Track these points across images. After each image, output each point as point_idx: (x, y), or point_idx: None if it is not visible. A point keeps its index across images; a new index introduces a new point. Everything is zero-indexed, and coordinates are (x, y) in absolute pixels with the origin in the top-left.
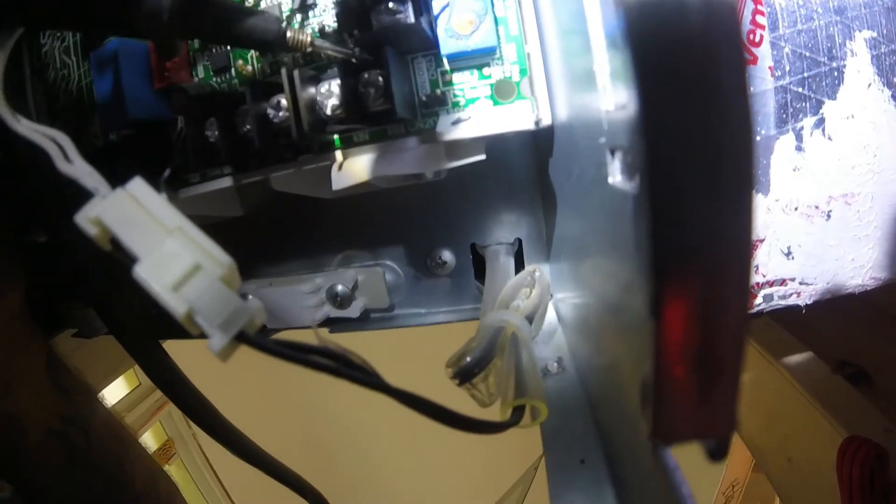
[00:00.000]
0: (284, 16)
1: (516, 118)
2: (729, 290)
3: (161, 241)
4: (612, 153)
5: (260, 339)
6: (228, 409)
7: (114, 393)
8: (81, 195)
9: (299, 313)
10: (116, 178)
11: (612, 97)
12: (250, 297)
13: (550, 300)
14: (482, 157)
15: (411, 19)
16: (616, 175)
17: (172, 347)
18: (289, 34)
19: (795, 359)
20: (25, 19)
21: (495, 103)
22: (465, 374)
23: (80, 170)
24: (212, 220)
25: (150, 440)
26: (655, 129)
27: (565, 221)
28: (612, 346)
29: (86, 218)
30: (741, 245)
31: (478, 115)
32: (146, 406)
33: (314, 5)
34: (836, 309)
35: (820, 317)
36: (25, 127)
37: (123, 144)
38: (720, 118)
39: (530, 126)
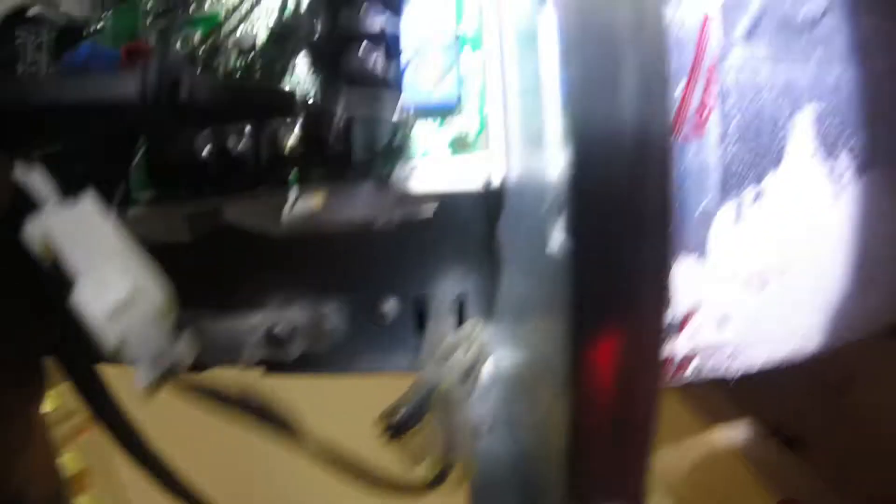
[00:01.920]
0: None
1: (471, 174)
2: (645, 352)
3: (101, 266)
4: (554, 218)
5: (185, 379)
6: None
7: None
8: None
9: (235, 351)
10: (71, 182)
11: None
12: (181, 339)
13: (490, 357)
14: (429, 214)
15: (379, 70)
16: (555, 243)
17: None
18: None
19: (731, 423)
20: None
21: (453, 152)
22: (396, 430)
23: (37, 177)
24: (157, 242)
25: (64, 467)
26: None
27: (510, 279)
28: (544, 405)
29: (34, 230)
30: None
31: (434, 168)
32: (62, 430)
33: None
34: (772, 375)
35: (755, 382)
36: None
37: (76, 153)
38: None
39: (479, 185)
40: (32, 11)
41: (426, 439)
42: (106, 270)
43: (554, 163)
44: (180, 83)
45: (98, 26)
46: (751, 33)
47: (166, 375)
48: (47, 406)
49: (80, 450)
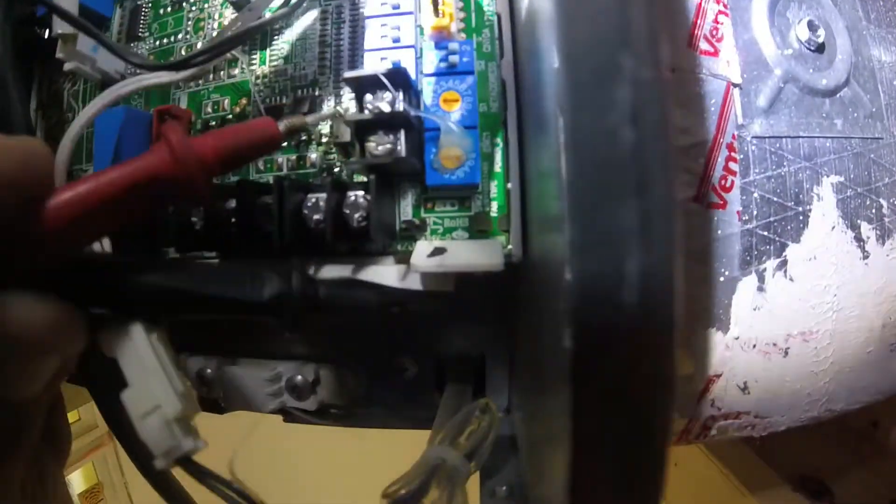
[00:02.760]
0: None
1: (488, 255)
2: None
3: (141, 379)
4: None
5: (188, 466)
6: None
7: None
8: None
9: (258, 398)
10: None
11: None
12: (189, 439)
13: (499, 430)
14: (450, 289)
15: (402, 154)
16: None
17: None
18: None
19: (757, 478)
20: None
21: (471, 236)
22: None
23: None
24: None
25: (78, 480)
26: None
27: (527, 349)
28: (553, 479)
29: (100, 337)
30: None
31: (452, 248)
32: (81, 444)
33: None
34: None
35: (780, 433)
36: None
37: None
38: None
39: (500, 267)
40: (68, 66)
41: None
42: (146, 383)
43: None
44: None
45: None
46: (773, 103)
47: (178, 462)
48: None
49: (95, 465)
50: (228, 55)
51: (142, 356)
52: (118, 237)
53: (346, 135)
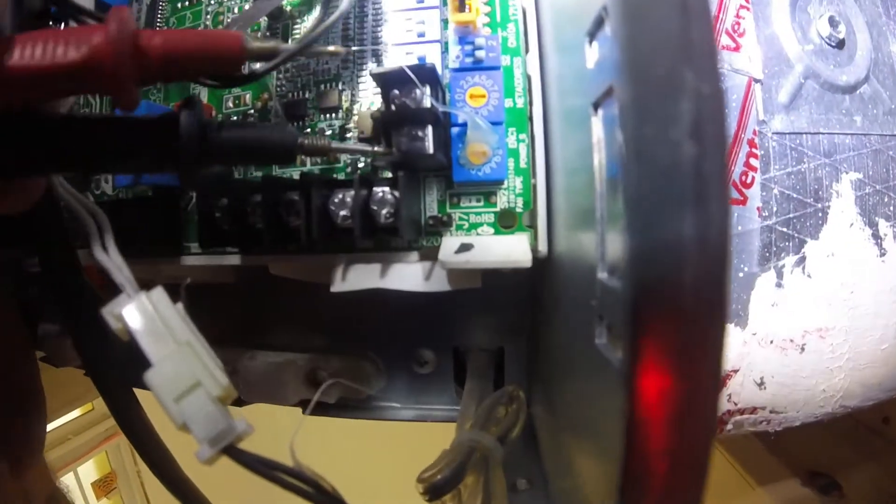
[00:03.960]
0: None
1: (515, 251)
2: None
3: (171, 353)
4: (601, 318)
5: (241, 456)
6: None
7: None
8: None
9: (279, 391)
10: (121, 233)
11: (608, 262)
12: (239, 421)
13: (526, 417)
14: (477, 285)
15: (430, 150)
16: (602, 338)
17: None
18: (305, 142)
19: (769, 475)
20: (42, 171)
21: (497, 231)
22: (434, 492)
23: (114, 262)
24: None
25: (92, 469)
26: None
27: (550, 343)
28: (583, 472)
29: (110, 313)
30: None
31: (479, 243)
32: (94, 433)
33: (338, 108)
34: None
35: (792, 428)
36: (70, 194)
37: (133, 202)
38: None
39: (527, 263)
40: None
41: (464, 500)
42: (175, 358)
43: (603, 265)
44: (207, 127)
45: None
46: (794, 98)
47: (225, 451)
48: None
49: (107, 454)
50: None
51: (171, 326)
52: (139, 233)
53: (368, 128)
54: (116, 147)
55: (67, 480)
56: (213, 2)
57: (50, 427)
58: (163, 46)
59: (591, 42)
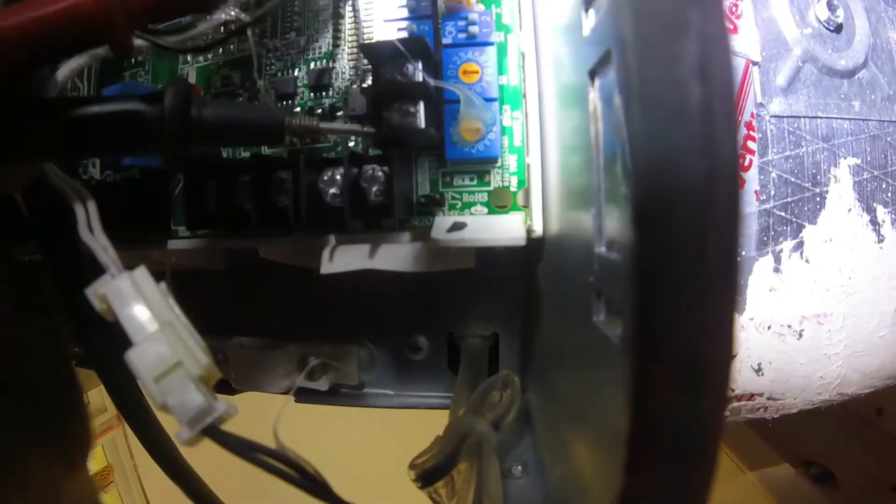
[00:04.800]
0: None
1: (509, 229)
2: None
3: (153, 332)
4: (599, 294)
5: (222, 436)
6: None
7: None
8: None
9: (269, 378)
10: (109, 217)
11: (605, 237)
12: (221, 400)
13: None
14: (471, 265)
15: (421, 125)
16: (601, 315)
17: None
18: (294, 122)
19: (761, 461)
20: (29, 155)
21: (490, 211)
22: (426, 479)
23: (99, 243)
24: (193, 269)
25: (88, 463)
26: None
27: (545, 327)
28: (580, 457)
29: (94, 293)
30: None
31: (472, 222)
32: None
33: (328, 86)
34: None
35: (787, 417)
36: (57, 176)
37: (120, 186)
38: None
39: (521, 241)
40: None
41: (458, 486)
42: (156, 338)
43: (600, 240)
44: (192, 106)
45: (139, 58)
46: (792, 82)
47: (206, 432)
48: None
49: (105, 448)
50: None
51: (153, 305)
52: (126, 217)
53: (361, 107)
54: (102, 127)
55: None
56: None
57: None
58: None
59: (586, 10)
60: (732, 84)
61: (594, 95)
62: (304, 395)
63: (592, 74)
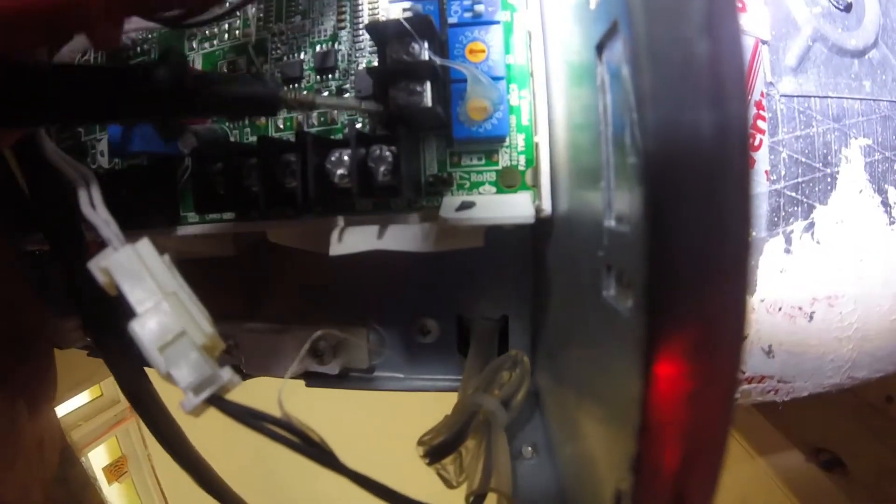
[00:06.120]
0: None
1: (518, 208)
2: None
3: (157, 303)
4: (609, 269)
5: (226, 405)
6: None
7: (73, 400)
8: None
9: (280, 363)
10: (117, 205)
11: (615, 211)
12: (225, 368)
13: (530, 382)
14: (480, 244)
15: (428, 103)
16: (610, 290)
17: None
18: (289, 95)
19: (771, 447)
20: (30, 119)
21: (499, 190)
22: (435, 454)
23: (101, 217)
24: (204, 256)
25: (103, 454)
26: (659, 257)
27: (555, 307)
28: (591, 435)
29: (97, 266)
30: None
31: (481, 202)
32: (104, 419)
33: (334, 69)
34: (814, 396)
35: (797, 404)
36: (57, 155)
37: (129, 173)
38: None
39: (530, 219)
40: None
41: (466, 464)
42: (161, 308)
43: (610, 214)
44: (186, 74)
45: (144, 46)
46: (802, 61)
47: (210, 401)
48: (87, 396)
49: (118, 439)
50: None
51: (156, 275)
52: (136, 204)
53: (367, 87)
54: (98, 94)
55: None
56: None
57: (59, 413)
58: None
59: None
60: (739, 39)
61: (602, 69)
62: (314, 380)
63: (600, 48)
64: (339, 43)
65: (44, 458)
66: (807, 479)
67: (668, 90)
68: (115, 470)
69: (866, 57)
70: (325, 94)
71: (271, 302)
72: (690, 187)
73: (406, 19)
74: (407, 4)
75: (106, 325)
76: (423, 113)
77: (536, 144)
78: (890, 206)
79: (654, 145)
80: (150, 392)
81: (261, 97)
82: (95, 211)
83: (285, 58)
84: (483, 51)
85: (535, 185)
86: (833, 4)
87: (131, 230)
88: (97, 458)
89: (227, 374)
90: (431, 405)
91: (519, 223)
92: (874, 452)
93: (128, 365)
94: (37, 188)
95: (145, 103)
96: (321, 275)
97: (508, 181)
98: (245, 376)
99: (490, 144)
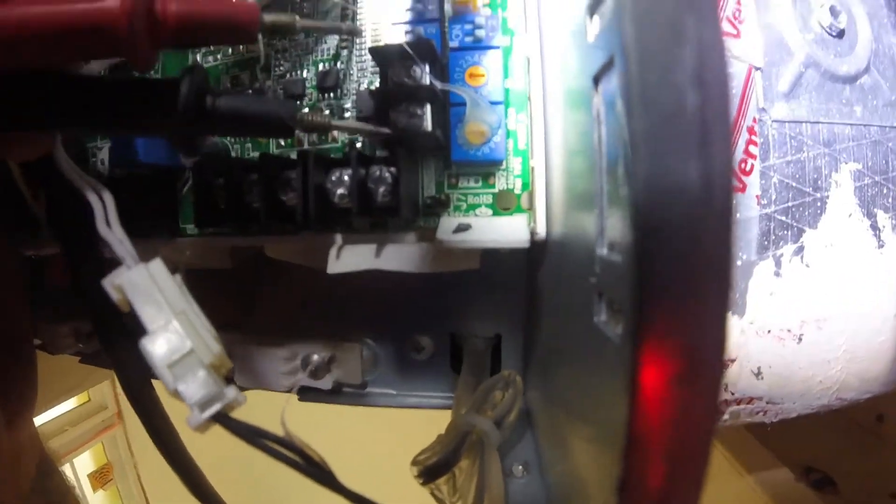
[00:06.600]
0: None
1: (513, 232)
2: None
3: (167, 321)
4: (601, 295)
5: (230, 423)
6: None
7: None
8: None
9: (273, 376)
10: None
11: (607, 238)
12: (231, 387)
13: (522, 401)
14: (475, 266)
15: (428, 127)
16: (601, 315)
17: None
18: (306, 116)
19: (760, 465)
20: (52, 123)
21: (495, 213)
22: (429, 475)
23: (116, 236)
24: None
25: (88, 460)
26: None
27: (547, 327)
28: (580, 455)
29: (111, 283)
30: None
31: (477, 224)
32: (91, 424)
33: (336, 87)
34: (804, 416)
35: (787, 422)
36: (75, 172)
37: (129, 183)
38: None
39: (525, 244)
40: None
41: (459, 484)
42: (171, 326)
43: (602, 242)
44: (206, 94)
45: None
46: (794, 87)
47: (216, 418)
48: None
49: (104, 446)
50: None
51: (167, 294)
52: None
53: (369, 108)
54: (118, 101)
55: (63, 472)
56: None
57: (46, 418)
58: (178, 13)
59: (591, 16)
60: (727, 89)
61: (598, 100)
62: (307, 394)
63: (596, 80)
64: (342, 62)
65: (21, 472)
66: (796, 498)
67: (658, 139)
68: (101, 477)
69: (858, 82)
70: (328, 112)
71: (266, 314)
72: (675, 232)
73: (408, 43)
74: (409, 27)
75: (116, 331)
76: (422, 136)
77: (532, 168)
78: (879, 230)
79: (643, 190)
80: (153, 397)
81: (278, 119)
82: (111, 229)
83: (288, 74)
84: (483, 75)
85: (531, 209)
86: (826, 31)
87: (132, 239)
88: (82, 465)
89: (232, 392)
90: (425, 421)
91: (513, 247)
92: (865, 471)
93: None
94: (54, 202)
95: (164, 119)
96: (316, 289)
97: (504, 204)
98: (238, 388)
99: (487, 167)
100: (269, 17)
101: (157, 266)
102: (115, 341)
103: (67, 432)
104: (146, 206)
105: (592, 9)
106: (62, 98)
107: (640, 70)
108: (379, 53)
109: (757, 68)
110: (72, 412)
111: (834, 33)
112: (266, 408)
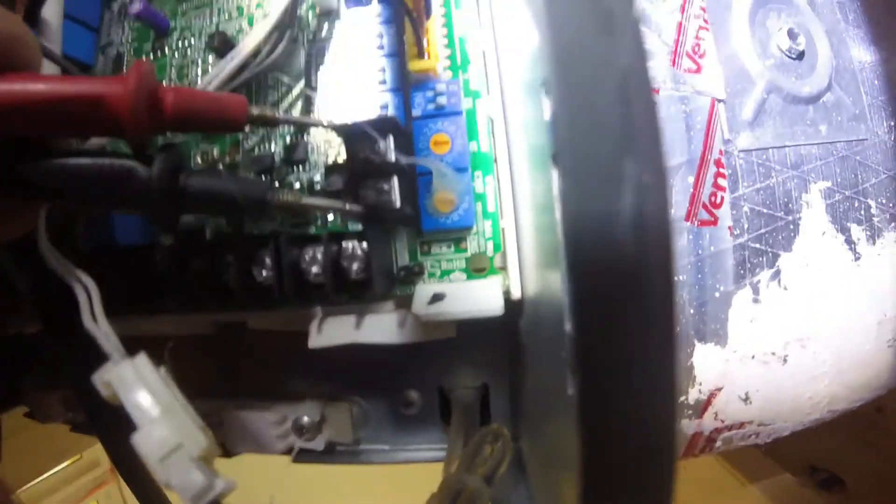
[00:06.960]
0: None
1: (487, 301)
2: None
3: (156, 416)
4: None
5: None
6: None
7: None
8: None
9: (266, 440)
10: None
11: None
12: (221, 477)
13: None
14: (452, 335)
15: (397, 204)
16: (573, 389)
17: None
18: (277, 196)
19: (763, 475)
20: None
21: (469, 276)
22: None
23: (102, 331)
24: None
25: None
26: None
27: (532, 377)
28: (567, 499)
29: (100, 380)
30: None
31: (451, 291)
32: (84, 481)
33: (304, 161)
34: None
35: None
36: (61, 264)
37: (107, 258)
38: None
39: (499, 311)
40: None
41: None
42: (158, 422)
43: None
44: (180, 172)
45: None
46: (758, 115)
47: None
48: (68, 460)
49: (99, 502)
50: None
51: (154, 391)
52: (114, 294)
53: (338, 182)
54: (93, 178)
55: None
56: (176, 55)
57: (39, 478)
58: (175, 103)
59: (547, 94)
60: (669, 231)
61: (556, 180)
62: (301, 455)
63: (555, 158)
64: (308, 134)
65: None
66: (804, 501)
67: (596, 291)
68: None
69: (821, 101)
70: (297, 185)
71: (253, 378)
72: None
73: (371, 122)
74: (370, 97)
75: (109, 423)
76: (392, 212)
77: (503, 230)
78: (854, 243)
79: (585, 346)
80: (138, 466)
81: (251, 199)
82: (96, 323)
83: (255, 149)
84: (447, 142)
85: (504, 269)
86: (785, 54)
87: (112, 318)
88: None
89: (221, 483)
90: (418, 474)
91: (487, 316)
92: (870, 464)
93: (130, 457)
94: (39, 286)
95: (137, 196)
96: (302, 351)
97: (477, 265)
98: (229, 454)
99: (458, 234)
100: (255, 111)
101: (142, 361)
102: (109, 433)
103: (61, 491)
104: (125, 283)
105: (546, 88)
106: (38, 169)
107: (578, 220)
108: (342, 131)
109: (720, 100)
110: (64, 470)
111: (794, 56)
112: (259, 467)
